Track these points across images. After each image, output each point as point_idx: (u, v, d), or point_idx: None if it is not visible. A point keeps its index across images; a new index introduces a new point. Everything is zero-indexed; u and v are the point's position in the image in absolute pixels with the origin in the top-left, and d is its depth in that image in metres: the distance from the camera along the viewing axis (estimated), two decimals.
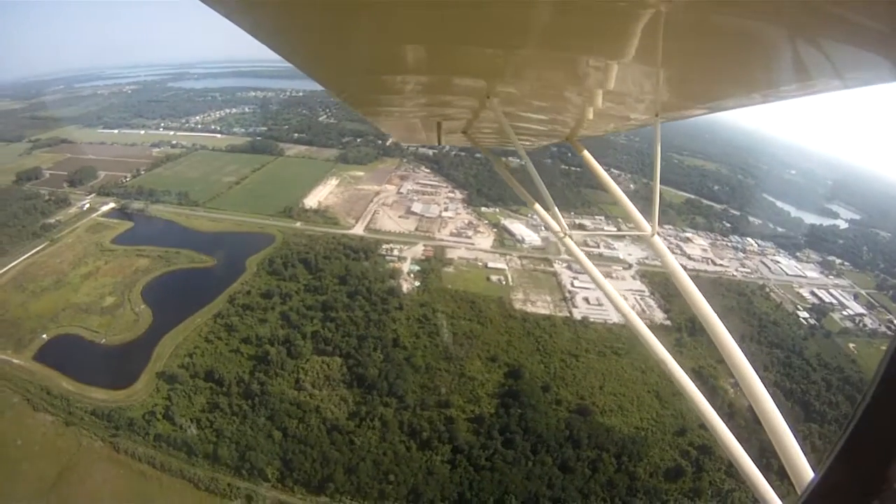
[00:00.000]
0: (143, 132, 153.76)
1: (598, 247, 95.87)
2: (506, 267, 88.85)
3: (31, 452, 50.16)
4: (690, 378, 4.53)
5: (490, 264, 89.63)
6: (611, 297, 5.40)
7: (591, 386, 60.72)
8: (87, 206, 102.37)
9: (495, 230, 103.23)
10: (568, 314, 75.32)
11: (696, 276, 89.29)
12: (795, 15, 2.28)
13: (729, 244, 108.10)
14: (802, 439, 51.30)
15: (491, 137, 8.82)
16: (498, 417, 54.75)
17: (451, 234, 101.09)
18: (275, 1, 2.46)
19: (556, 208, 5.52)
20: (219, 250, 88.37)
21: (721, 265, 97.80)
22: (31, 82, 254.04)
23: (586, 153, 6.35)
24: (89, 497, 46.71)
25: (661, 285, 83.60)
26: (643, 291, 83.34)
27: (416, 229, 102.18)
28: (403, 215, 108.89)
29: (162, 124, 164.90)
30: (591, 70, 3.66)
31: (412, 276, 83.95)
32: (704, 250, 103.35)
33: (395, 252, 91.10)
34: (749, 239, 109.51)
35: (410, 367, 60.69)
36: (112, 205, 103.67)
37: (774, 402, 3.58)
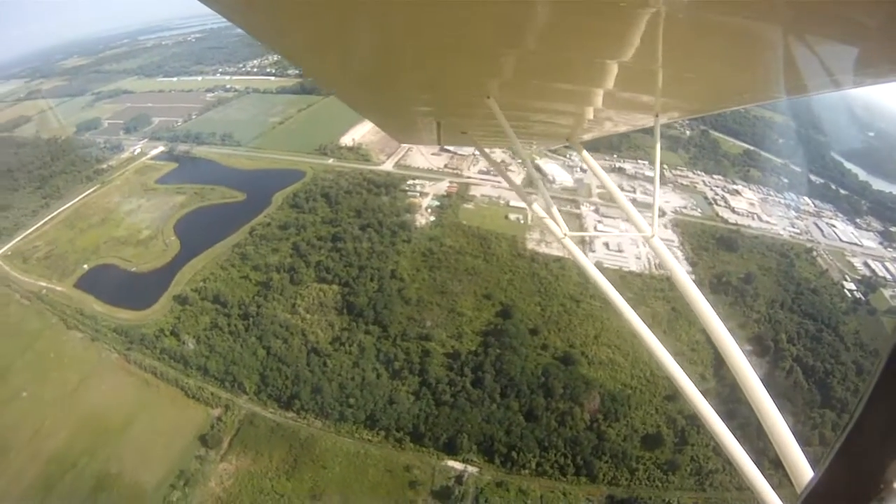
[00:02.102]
0: (200, 78, 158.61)
1: (635, 192, 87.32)
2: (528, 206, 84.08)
3: (60, 363, 57.38)
4: (692, 379, 4.52)
5: (512, 203, 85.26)
6: (609, 297, 5.21)
7: (585, 334, 56.78)
8: (139, 150, 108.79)
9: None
10: None
11: (737, 231, 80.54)
12: (794, 15, 2.26)
13: (782, 201, 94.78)
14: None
15: (491, 138, 8.79)
16: (475, 356, 53.23)
17: (480, 172, 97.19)
18: (274, 1, 2.43)
19: (555, 208, 5.52)
20: (250, 186, 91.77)
21: (768, 222, 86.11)
22: (98, 38, 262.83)
23: (586, 153, 6.43)
24: (101, 399, 52.81)
25: (693, 236, 76.59)
26: (672, 241, 75.60)
27: (446, 166, 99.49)
28: (436, 153, 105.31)
29: (220, 70, 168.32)
30: (591, 70, 3.65)
31: (430, 211, 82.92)
32: (752, 204, 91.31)
33: (418, 188, 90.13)
34: (805, 198, 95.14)
35: (401, 299, 60.44)
36: (161, 148, 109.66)
37: (775, 402, 3.53)
